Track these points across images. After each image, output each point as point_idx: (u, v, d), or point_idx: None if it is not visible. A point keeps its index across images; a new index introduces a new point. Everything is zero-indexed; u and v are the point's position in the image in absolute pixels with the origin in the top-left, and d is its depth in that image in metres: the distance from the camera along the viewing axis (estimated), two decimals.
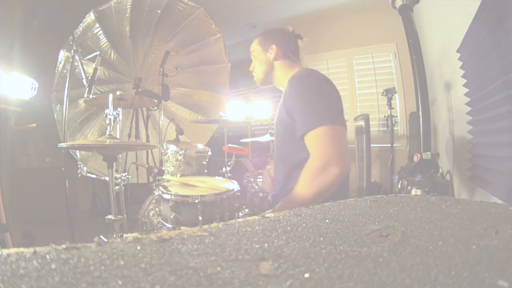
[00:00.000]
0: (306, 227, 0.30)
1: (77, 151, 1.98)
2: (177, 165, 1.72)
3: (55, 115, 2.24)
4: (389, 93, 2.73)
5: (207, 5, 2.44)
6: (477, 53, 1.36)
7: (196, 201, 1.16)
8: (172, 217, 1.18)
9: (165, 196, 1.21)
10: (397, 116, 3.01)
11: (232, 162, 1.93)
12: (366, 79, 3.42)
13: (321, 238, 0.27)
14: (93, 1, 2.14)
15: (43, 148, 3.22)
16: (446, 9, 1.88)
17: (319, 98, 1.00)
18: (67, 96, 1.82)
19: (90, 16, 2.13)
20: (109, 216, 1.27)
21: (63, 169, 1.92)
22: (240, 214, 1.37)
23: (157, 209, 1.36)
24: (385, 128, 3.11)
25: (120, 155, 1.68)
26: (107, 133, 1.26)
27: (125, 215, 1.67)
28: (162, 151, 1.82)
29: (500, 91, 1.18)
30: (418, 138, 1.18)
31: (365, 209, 0.37)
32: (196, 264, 0.21)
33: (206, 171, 1.80)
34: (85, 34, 2.17)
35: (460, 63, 1.59)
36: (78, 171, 1.68)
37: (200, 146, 1.96)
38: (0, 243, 1.61)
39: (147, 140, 2.37)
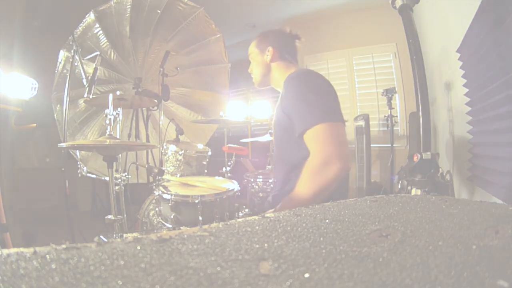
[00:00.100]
0: (306, 227, 0.30)
1: (77, 151, 1.98)
2: (177, 165, 1.72)
3: (55, 115, 2.24)
4: (389, 93, 2.73)
5: (207, 5, 2.44)
6: (477, 53, 1.36)
7: (196, 201, 1.16)
8: (172, 217, 1.18)
9: (165, 196, 1.21)
10: (397, 116, 3.02)
11: (232, 162, 1.92)
12: (366, 79, 3.42)
13: (321, 238, 0.27)
14: (93, 1, 2.14)
15: (43, 148, 3.21)
16: (446, 9, 1.88)
17: (315, 96, 0.99)
18: (67, 96, 1.82)
19: (90, 16, 2.13)
20: (109, 216, 1.27)
21: (63, 169, 1.92)
22: (240, 214, 1.37)
23: (157, 209, 1.36)
24: (385, 128, 3.11)
25: (120, 155, 1.68)
26: (107, 133, 1.26)
27: (125, 215, 1.67)
28: (162, 151, 1.82)
29: (500, 91, 1.18)
30: (418, 138, 1.19)
31: (365, 209, 0.37)
32: (196, 264, 0.21)
33: (206, 171, 1.79)
34: (85, 34, 2.17)
35: (460, 63, 1.59)
36: (78, 171, 1.68)
37: (200, 146, 1.96)
38: (0, 243, 1.60)
39: (147, 140, 2.36)
